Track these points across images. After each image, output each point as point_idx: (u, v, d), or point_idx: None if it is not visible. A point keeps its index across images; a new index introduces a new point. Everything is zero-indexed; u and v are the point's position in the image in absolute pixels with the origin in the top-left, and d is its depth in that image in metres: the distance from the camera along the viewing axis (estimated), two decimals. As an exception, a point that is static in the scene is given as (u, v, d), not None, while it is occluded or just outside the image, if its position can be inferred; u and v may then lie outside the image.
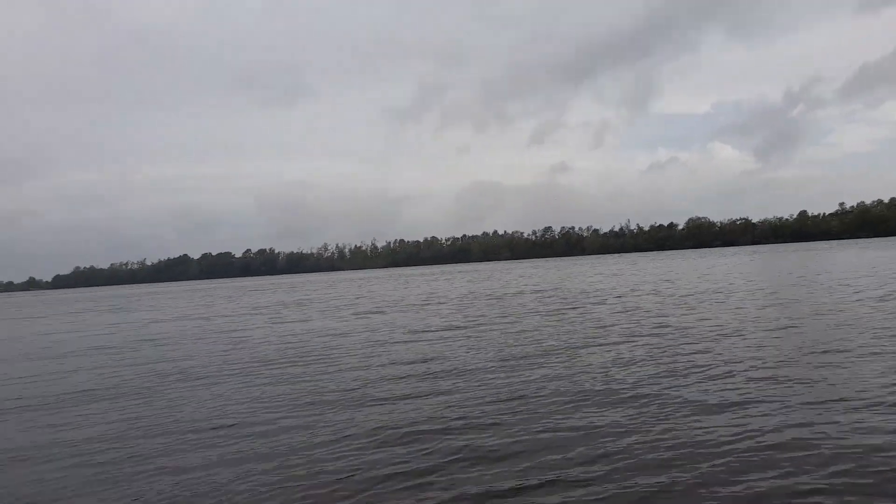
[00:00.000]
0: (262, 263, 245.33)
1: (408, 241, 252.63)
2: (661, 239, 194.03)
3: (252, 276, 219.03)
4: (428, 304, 27.56)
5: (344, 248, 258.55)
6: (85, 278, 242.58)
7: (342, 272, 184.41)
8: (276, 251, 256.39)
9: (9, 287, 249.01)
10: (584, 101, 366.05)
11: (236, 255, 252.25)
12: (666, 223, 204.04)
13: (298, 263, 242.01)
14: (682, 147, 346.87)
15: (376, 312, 24.58)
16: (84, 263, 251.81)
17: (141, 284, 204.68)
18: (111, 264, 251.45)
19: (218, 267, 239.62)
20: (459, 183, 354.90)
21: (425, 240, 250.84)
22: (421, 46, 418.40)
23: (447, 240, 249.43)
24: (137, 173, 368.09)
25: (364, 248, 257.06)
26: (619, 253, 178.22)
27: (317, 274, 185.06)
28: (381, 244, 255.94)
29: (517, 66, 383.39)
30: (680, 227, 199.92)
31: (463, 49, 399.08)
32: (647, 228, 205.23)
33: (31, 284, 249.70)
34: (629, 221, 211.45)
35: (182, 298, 54.61)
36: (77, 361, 15.09)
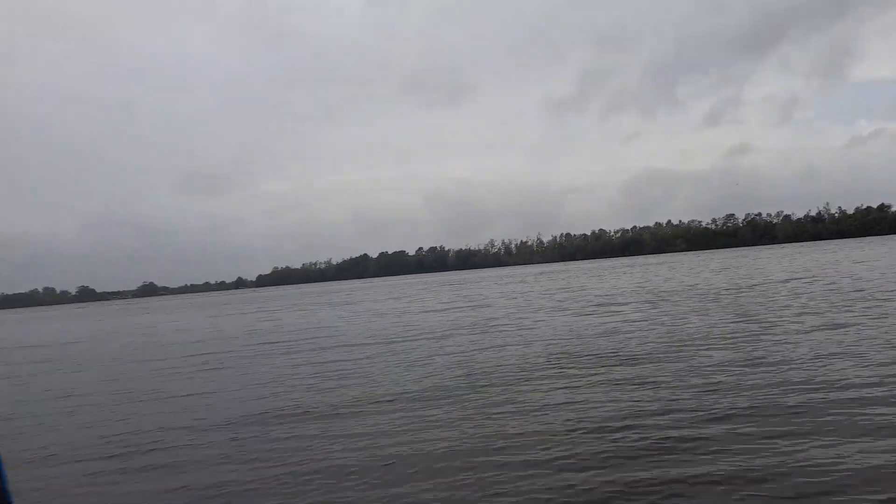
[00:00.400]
0: (434, 260, 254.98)
1: (574, 235, 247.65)
2: (870, 223, 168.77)
3: (425, 272, 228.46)
4: (662, 297, 25.61)
5: (510, 243, 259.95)
6: (282, 277, 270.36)
7: (511, 267, 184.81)
8: (446, 248, 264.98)
9: (221, 286, 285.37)
10: (767, 73, 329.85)
11: (410, 253, 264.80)
12: (874, 205, 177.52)
13: (467, 260, 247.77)
14: (890, 117, 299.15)
15: (615, 304, 23.31)
16: (280, 264, 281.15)
17: (331, 282, 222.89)
18: (303, 264, 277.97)
19: (394, 264, 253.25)
20: (626, 172, 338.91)
21: (592, 232, 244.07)
22: (580, 34, 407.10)
23: (616, 232, 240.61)
24: (321, 180, 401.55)
25: (530, 242, 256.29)
26: (816, 240, 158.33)
27: (487, 270, 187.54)
28: (546, 238, 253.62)
29: (687, 43, 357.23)
30: (894, 209, 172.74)
31: (626, 32, 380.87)
32: (851, 212, 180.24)
33: (239, 283, 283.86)
34: (828, 204, 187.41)
35: (381, 292, 57.34)
36: (368, 351, 15.64)
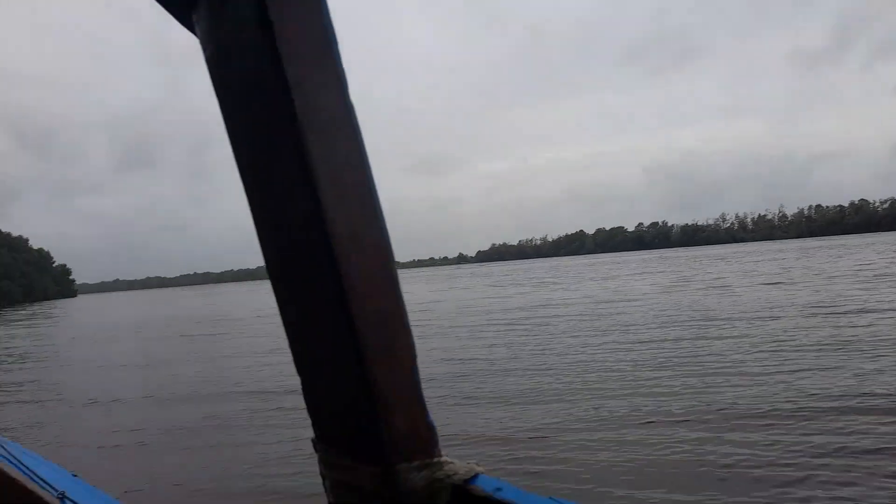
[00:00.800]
0: (655, 236, 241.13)
1: (827, 207, 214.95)
2: None
3: (645, 249, 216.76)
4: None
5: (745, 217, 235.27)
6: (499, 253, 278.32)
7: (750, 244, 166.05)
8: (669, 224, 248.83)
9: (444, 261, 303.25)
10: None
11: (629, 229, 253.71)
12: None
13: (694, 236, 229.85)
14: None
15: None
16: (498, 240, 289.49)
17: (550, 258, 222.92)
18: (519, 241, 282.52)
19: (611, 241, 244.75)
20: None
21: (851, 203, 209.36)
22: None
23: (883, 202, 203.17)
24: (537, 157, 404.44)
25: (770, 216, 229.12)
26: None
27: (720, 246, 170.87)
28: (790, 211, 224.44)
29: None
30: None
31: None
32: None
33: (461, 259, 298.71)
34: None
35: (620, 268, 53.75)
36: (752, 329, 13.17)
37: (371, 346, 0.64)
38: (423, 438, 0.68)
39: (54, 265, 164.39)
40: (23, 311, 65.58)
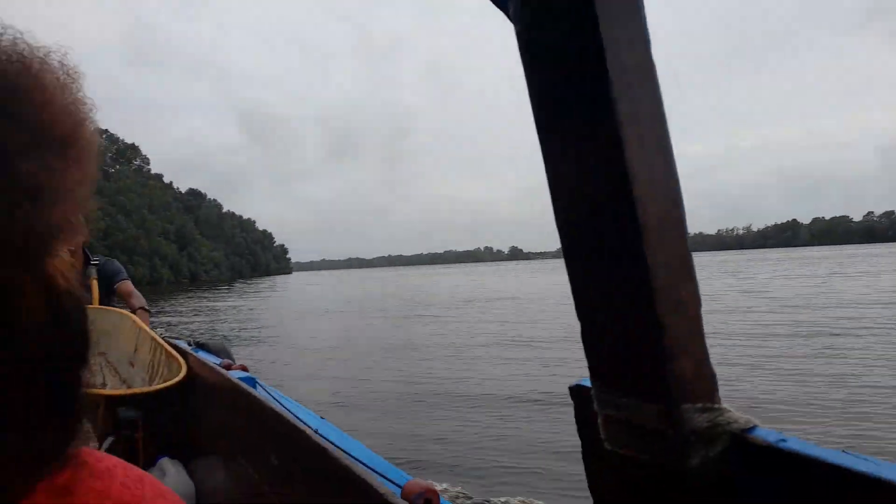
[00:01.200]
0: (890, 228, 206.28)
1: None
2: None
3: (876, 242, 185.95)
4: None
5: None
6: (694, 244, 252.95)
7: None
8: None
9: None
10: None
11: (854, 219, 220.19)
12: None
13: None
14: None
15: None
16: (692, 229, 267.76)
17: (751, 250, 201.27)
18: (718, 230, 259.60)
19: (832, 232, 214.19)
20: None
21: None
22: None
23: None
24: (741, 139, 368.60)
25: None
26: None
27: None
28: None
29: None
30: None
31: None
32: None
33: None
34: None
35: (877, 262, 44.92)
36: None
37: (661, 291, 0.66)
38: (706, 383, 0.69)
39: (275, 245, 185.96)
40: (257, 285, 74.04)
